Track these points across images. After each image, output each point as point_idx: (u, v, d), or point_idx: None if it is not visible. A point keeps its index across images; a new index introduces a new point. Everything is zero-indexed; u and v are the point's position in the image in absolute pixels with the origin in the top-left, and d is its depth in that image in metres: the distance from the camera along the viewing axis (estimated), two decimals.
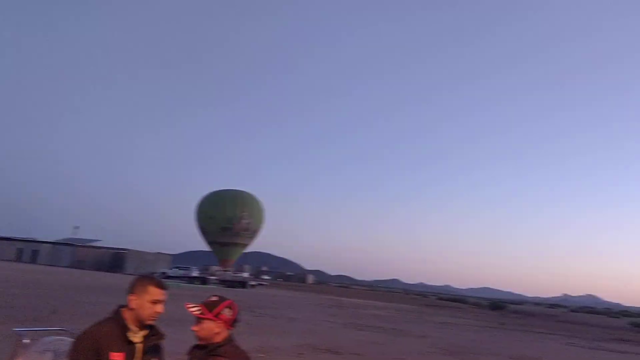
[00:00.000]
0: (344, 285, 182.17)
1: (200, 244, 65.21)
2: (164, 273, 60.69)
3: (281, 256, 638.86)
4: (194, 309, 2.79)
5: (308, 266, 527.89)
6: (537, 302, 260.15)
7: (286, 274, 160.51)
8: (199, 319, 2.77)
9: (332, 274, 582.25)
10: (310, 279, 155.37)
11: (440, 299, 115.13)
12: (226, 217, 57.79)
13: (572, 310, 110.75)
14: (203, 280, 55.19)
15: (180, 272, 58.40)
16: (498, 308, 77.68)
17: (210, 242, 60.01)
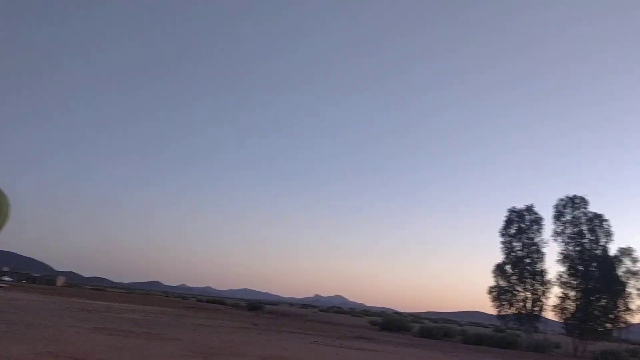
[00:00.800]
0: (99, 287, 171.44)
1: None
2: None
3: (28, 255, 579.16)
4: None
5: (59, 267, 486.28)
6: (292, 303, 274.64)
7: (32, 275, 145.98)
8: None
9: (87, 275, 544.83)
10: (61, 280, 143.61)
11: (200, 300, 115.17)
12: None
13: (322, 310, 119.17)
14: None
15: None
16: (255, 309, 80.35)
17: None
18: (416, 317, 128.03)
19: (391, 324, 55.63)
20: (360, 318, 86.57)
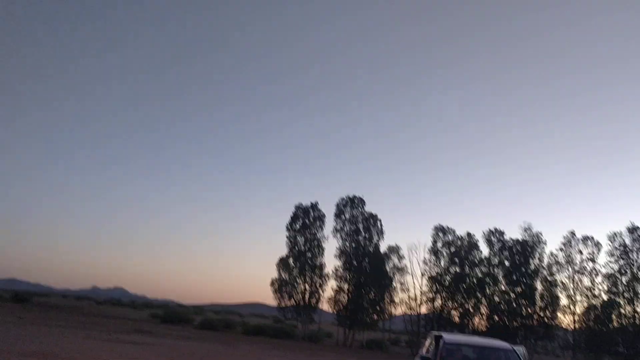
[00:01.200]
0: None
1: None
2: None
3: None
4: None
5: None
6: (66, 294, 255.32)
7: None
8: None
9: None
10: None
11: None
12: None
13: (99, 303, 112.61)
14: None
15: None
16: (21, 300, 73.04)
17: None
18: (199, 309, 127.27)
19: (172, 316, 54.53)
20: (141, 311, 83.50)
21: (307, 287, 49.67)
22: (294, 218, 51.12)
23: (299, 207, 51.49)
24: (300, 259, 49.80)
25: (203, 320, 52.84)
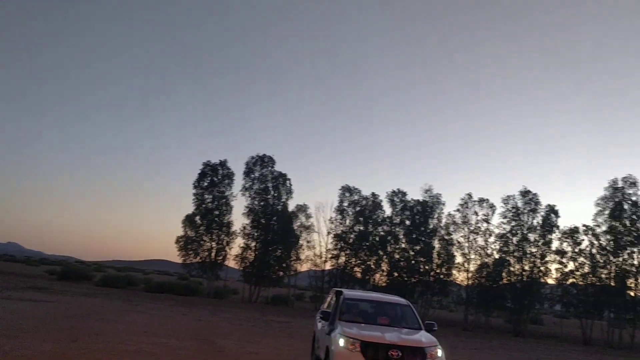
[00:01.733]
0: None
1: None
2: None
3: None
4: None
5: None
6: None
7: None
8: None
9: None
10: None
11: None
12: None
13: None
14: None
15: None
16: None
17: None
18: (100, 265, 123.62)
19: (71, 273, 52.76)
20: (37, 267, 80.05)
21: (213, 244, 49.48)
22: (202, 175, 50.36)
23: (207, 165, 50.73)
24: (208, 217, 49.35)
25: (104, 277, 51.49)
